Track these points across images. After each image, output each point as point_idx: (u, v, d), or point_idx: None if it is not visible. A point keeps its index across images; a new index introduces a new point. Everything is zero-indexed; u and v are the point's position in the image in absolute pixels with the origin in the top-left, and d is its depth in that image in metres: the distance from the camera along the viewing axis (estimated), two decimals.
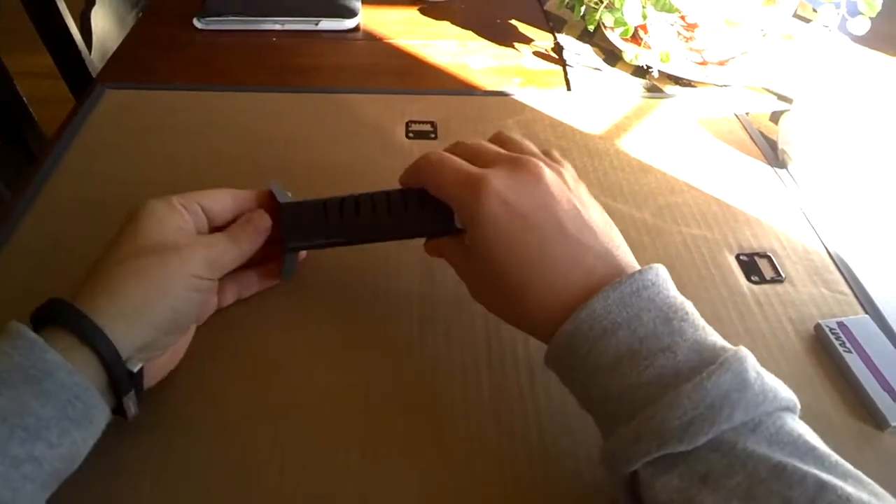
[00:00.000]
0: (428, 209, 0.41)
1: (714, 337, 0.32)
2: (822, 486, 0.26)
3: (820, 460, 0.28)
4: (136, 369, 0.34)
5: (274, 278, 0.46)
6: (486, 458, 0.38)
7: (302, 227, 0.43)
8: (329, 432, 0.39)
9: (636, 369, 0.30)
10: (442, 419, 0.40)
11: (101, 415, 0.32)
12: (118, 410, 0.34)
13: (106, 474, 0.35)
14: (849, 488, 0.26)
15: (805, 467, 0.27)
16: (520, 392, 0.41)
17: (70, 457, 0.31)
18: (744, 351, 0.30)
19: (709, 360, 0.30)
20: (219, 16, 0.78)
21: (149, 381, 0.37)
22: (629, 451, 0.29)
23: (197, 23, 0.78)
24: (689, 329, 0.32)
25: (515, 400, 0.41)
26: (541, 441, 0.39)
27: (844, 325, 0.46)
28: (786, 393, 0.30)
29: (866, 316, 0.47)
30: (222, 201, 0.41)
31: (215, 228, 0.41)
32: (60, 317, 0.32)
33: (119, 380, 0.33)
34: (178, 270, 0.36)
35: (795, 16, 0.89)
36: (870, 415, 0.41)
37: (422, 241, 0.44)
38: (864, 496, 0.26)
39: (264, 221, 0.41)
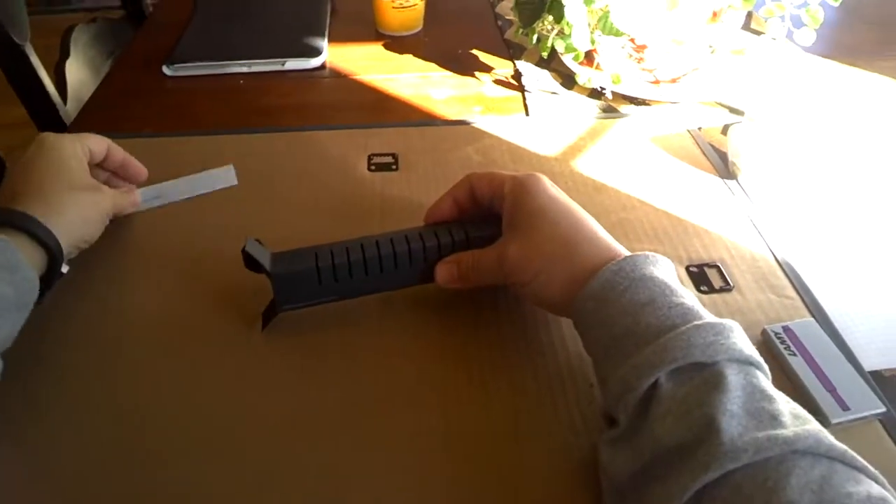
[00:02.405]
0: (415, 263, 0.46)
1: None
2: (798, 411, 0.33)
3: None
4: (65, 270, 0.48)
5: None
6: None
7: (296, 295, 0.45)
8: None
9: (665, 306, 0.36)
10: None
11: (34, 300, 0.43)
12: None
13: None
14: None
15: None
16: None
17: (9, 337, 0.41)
18: None
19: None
20: (187, 62, 0.81)
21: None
22: (656, 359, 0.34)
23: (166, 70, 0.81)
24: None
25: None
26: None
27: (790, 329, 0.47)
28: None
29: (811, 319, 0.48)
30: (100, 146, 0.54)
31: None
32: (25, 224, 0.44)
33: (56, 271, 0.46)
34: (101, 208, 0.51)
35: (749, 29, 0.92)
36: (813, 413, 0.42)
37: None
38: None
39: (137, 195, 0.58)
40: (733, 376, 0.32)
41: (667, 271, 0.40)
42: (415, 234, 0.47)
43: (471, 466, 0.40)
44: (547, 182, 0.46)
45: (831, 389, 0.43)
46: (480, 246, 0.46)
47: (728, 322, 0.36)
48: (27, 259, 0.42)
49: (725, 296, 0.51)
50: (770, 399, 0.32)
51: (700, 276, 0.52)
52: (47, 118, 0.90)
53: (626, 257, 0.39)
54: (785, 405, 0.32)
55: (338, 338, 0.47)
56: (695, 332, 0.34)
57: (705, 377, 0.33)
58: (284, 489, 0.39)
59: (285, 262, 0.45)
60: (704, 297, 0.51)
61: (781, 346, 0.46)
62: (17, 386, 0.43)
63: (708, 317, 0.36)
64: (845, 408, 0.41)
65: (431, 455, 0.40)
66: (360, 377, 0.45)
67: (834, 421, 0.41)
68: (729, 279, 0.52)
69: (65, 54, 0.97)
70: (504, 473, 0.39)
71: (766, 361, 0.45)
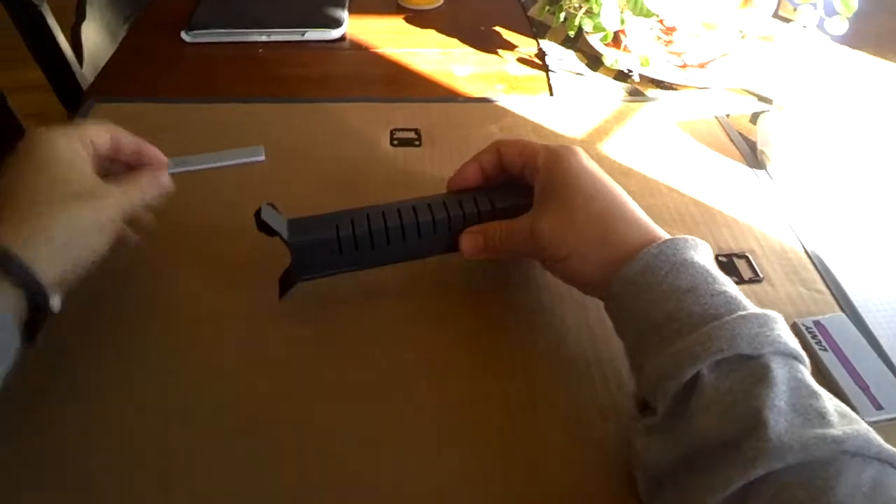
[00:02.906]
0: (439, 233, 0.45)
1: None
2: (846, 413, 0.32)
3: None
4: (57, 306, 0.38)
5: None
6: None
7: (314, 265, 0.44)
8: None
9: (708, 293, 0.35)
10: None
11: (14, 348, 0.36)
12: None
13: None
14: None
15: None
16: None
17: None
18: None
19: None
20: (206, 28, 0.79)
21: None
22: (700, 349, 0.33)
23: (185, 36, 0.79)
24: None
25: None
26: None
27: (821, 324, 0.46)
28: None
29: (842, 314, 0.48)
30: (103, 136, 0.44)
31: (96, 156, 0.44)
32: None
33: (40, 314, 0.37)
34: (100, 218, 0.40)
35: (776, 16, 0.90)
36: None
37: None
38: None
39: (167, 182, 0.47)
40: (779, 370, 0.32)
41: (707, 257, 0.39)
42: (438, 203, 0.45)
43: (487, 437, 0.40)
44: (583, 155, 0.44)
45: (864, 387, 0.42)
46: (506, 217, 0.45)
47: (772, 313, 0.35)
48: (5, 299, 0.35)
49: (755, 287, 0.50)
50: (816, 396, 0.31)
51: (729, 267, 0.51)
52: (64, 81, 0.89)
53: (668, 240, 0.38)
54: (829, 402, 0.31)
55: (359, 307, 0.47)
56: (740, 322, 0.33)
57: (750, 370, 0.32)
58: (313, 459, 0.38)
59: (304, 231, 0.43)
60: None
61: (812, 341, 0.45)
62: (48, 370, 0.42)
63: (751, 307, 0.35)
64: (878, 406, 0.41)
65: (455, 426, 0.40)
66: (382, 349, 0.45)
67: (867, 420, 0.40)
68: (759, 270, 0.51)
69: (81, 17, 0.95)
70: (521, 445, 0.40)
71: None
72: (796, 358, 0.33)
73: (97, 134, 0.43)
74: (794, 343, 0.34)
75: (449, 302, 0.48)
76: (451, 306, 0.47)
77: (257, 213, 0.43)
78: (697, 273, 0.36)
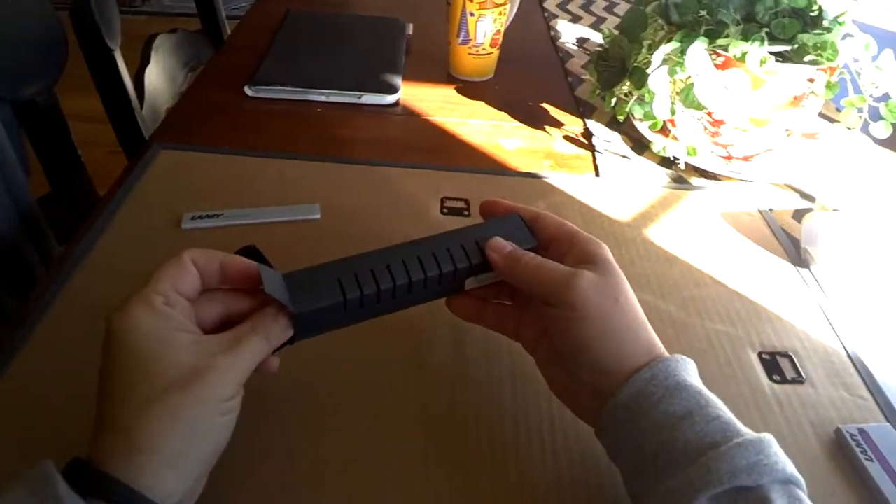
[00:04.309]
0: (445, 284, 0.43)
1: None
2: None
3: None
4: None
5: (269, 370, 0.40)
6: None
7: (320, 326, 0.40)
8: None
9: (704, 420, 0.35)
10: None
11: None
12: None
13: None
14: None
15: None
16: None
17: None
18: None
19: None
20: (269, 85, 0.83)
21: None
22: (699, 483, 0.32)
23: (248, 90, 0.83)
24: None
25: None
26: None
27: (865, 433, 0.46)
28: None
29: (888, 424, 0.47)
30: (189, 273, 0.36)
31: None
32: (98, 489, 0.30)
33: None
34: (210, 403, 0.33)
35: (820, 115, 0.92)
36: None
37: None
38: None
39: (283, 325, 0.37)
40: (779, 500, 0.32)
41: (695, 374, 0.39)
42: (443, 252, 0.43)
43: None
44: (594, 279, 0.39)
45: None
46: None
47: (766, 437, 0.34)
48: None
49: (798, 388, 0.50)
50: None
51: (772, 365, 0.51)
52: (124, 121, 0.93)
53: (658, 362, 0.37)
54: None
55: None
56: (737, 451, 0.33)
57: (750, 502, 0.32)
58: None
59: (307, 294, 0.38)
60: (777, 386, 0.50)
61: (857, 450, 0.45)
62: None
63: (744, 431, 0.35)
64: None
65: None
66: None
67: None
68: (801, 371, 0.51)
69: (145, 61, 1.00)
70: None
71: (839, 462, 0.45)
72: (794, 483, 0.33)
73: (178, 279, 0.36)
74: (790, 468, 0.34)
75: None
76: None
77: (244, 252, 0.39)
78: (691, 397, 0.36)
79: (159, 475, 0.31)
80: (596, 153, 0.78)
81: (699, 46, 0.67)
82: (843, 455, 0.45)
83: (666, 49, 0.70)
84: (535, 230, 0.45)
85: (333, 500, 0.40)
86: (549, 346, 0.42)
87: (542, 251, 0.43)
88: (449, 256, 0.43)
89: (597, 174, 0.75)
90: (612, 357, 0.38)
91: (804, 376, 0.51)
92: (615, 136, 0.82)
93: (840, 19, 0.70)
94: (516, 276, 0.42)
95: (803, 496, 0.33)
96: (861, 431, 0.46)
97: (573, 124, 0.85)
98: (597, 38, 1.09)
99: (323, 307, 0.39)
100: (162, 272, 0.35)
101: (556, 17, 1.18)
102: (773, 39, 0.68)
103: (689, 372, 0.38)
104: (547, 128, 0.84)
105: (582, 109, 0.88)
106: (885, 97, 0.69)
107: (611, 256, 0.41)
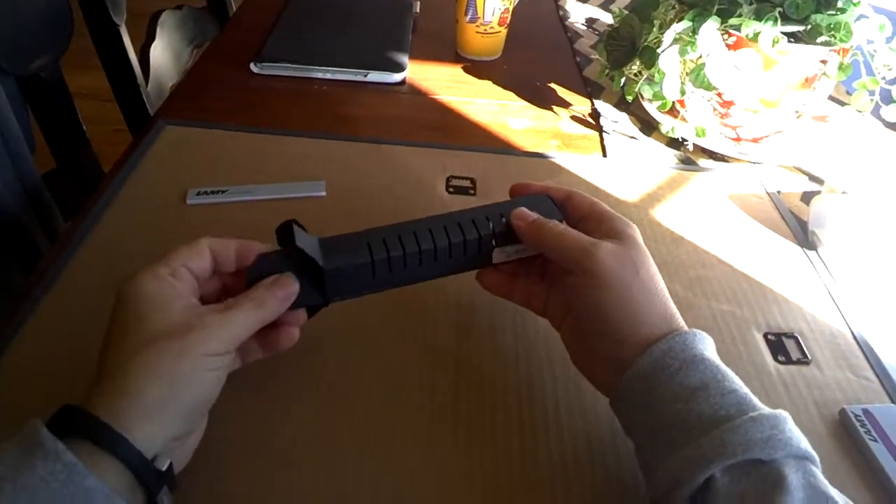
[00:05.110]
0: (470, 252, 0.44)
1: None
2: None
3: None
4: (164, 468, 0.33)
5: (273, 349, 0.42)
6: None
7: (347, 288, 0.42)
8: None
9: (719, 393, 0.35)
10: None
11: None
12: None
13: None
14: None
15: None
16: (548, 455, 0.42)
17: None
18: None
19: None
20: (274, 62, 0.82)
21: (179, 464, 0.36)
22: (712, 454, 0.33)
23: (253, 67, 0.82)
24: None
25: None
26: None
27: (870, 413, 0.46)
28: None
29: (892, 405, 0.47)
30: (202, 256, 0.39)
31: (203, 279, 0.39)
32: (81, 428, 0.31)
33: (149, 482, 0.32)
34: (194, 355, 0.34)
35: (830, 98, 0.91)
36: None
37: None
38: None
39: (294, 284, 0.39)
40: (793, 475, 0.32)
41: (713, 350, 0.39)
42: (468, 222, 0.44)
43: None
44: (615, 249, 0.40)
45: None
46: None
47: (781, 413, 0.35)
48: (107, 474, 0.30)
49: (803, 369, 0.50)
50: (832, 501, 0.31)
51: (778, 346, 0.51)
52: (129, 96, 0.92)
53: (676, 335, 0.38)
54: None
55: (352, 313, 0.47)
56: (751, 425, 0.33)
57: (764, 475, 0.32)
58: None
59: (336, 254, 0.41)
60: (782, 367, 0.50)
61: (862, 430, 0.45)
62: None
63: (760, 406, 0.35)
64: None
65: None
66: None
67: None
68: (807, 352, 0.51)
69: (150, 37, 0.99)
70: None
71: (843, 442, 0.45)
72: (809, 459, 0.33)
73: (190, 258, 0.38)
74: (805, 444, 0.34)
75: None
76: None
77: (280, 230, 0.41)
78: (707, 370, 0.36)
79: (140, 420, 0.32)
80: (604, 133, 0.78)
81: (711, 26, 0.66)
82: (847, 435, 0.45)
83: (677, 28, 0.69)
84: (568, 209, 0.45)
85: (340, 482, 0.40)
86: (573, 321, 0.43)
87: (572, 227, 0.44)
88: (474, 226, 0.44)
89: (604, 155, 0.74)
90: (629, 326, 0.38)
91: (810, 357, 0.51)
92: (623, 117, 0.81)
93: (855, 0, 0.69)
94: (539, 243, 0.42)
95: (818, 472, 0.33)
96: (865, 412, 0.46)
97: (581, 105, 0.84)
98: (605, 18, 1.08)
99: (351, 265, 0.41)
100: (176, 251, 0.38)
101: None
102: (786, 19, 0.67)
103: (707, 346, 0.38)
104: (554, 108, 0.83)
105: (590, 90, 0.87)
106: None
107: (638, 235, 0.42)
